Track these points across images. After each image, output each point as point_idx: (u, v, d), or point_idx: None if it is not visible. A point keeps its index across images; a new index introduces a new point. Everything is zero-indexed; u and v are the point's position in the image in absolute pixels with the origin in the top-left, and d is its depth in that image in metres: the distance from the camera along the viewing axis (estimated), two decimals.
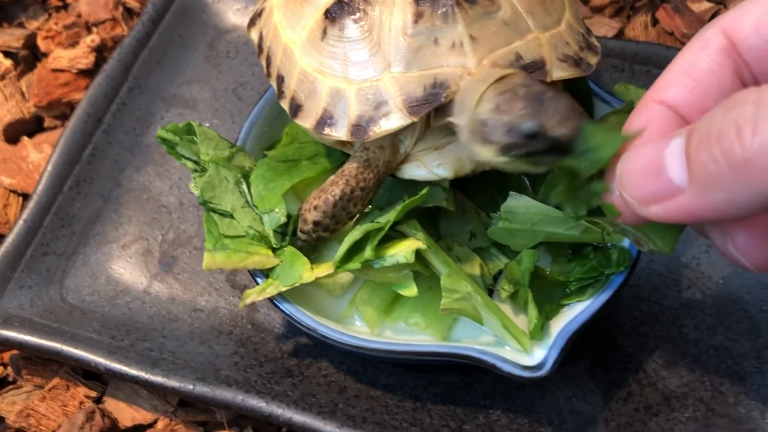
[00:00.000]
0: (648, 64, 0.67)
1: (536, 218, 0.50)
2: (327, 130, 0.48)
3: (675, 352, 0.54)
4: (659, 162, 0.36)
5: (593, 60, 0.50)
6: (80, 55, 0.74)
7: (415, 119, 0.46)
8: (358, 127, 0.47)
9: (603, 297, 0.49)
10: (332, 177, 0.50)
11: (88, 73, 0.74)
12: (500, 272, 0.53)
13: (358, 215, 0.52)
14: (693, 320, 0.55)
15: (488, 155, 0.44)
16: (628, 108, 0.54)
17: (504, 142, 0.42)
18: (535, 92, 0.42)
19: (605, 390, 0.53)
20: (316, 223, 0.50)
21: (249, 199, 0.54)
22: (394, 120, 0.46)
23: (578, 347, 0.52)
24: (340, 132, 0.48)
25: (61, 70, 0.74)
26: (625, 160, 0.38)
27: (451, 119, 0.47)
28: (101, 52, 0.76)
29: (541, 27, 0.48)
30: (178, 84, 0.71)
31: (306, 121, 0.49)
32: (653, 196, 0.36)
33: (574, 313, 0.49)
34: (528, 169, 0.44)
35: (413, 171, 0.50)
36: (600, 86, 0.59)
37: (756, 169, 0.32)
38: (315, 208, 0.50)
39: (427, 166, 0.50)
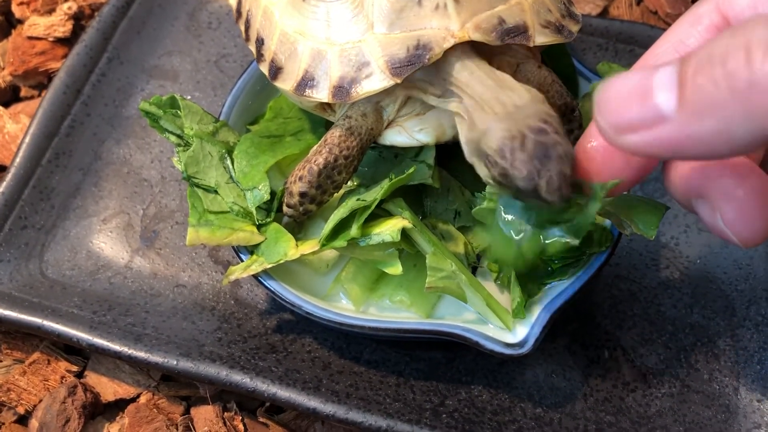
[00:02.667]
0: (632, 44, 0.67)
1: None
2: (308, 92, 0.48)
3: (652, 329, 0.55)
4: (646, 86, 0.33)
5: (575, 28, 0.50)
6: (57, 23, 0.73)
7: (398, 80, 0.46)
8: (340, 89, 0.47)
9: (584, 276, 0.50)
10: (315, 146, 0.50)
11: (66, 42, 0.72)
12: (484, 250, 0.54)
13: (343, 190, 0.52)
14: (670, 299, 0.56)
15: (479, 172, 0.44)
16: None
17: (497, 178, 0.42)
18: (544, 147, 0.40)
19: (584, 366, 0.54)
20: (302, 195, 0.50)
21: (233, 174, 0.53)
22: (376, 81, 0.46)
23: (558, 325, 0.53)
24: (321, 93, 0.47)
25: (38, 38, 0.72)
26: (606, 85, 0.34)
27: (441, 100, 0.47)
28: (79, 20, 0.74)
29: None
30: (159, 55, 0.69)
31: (286, 83, 0.49)
32: (633, 123, 0.33)
33: (556, 292, 0.50)
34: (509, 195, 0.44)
35: (394, 137, 0.50)
36: (584, 65, 0.59)
37: (761, 95, 0.29)
38: (300, 179, 0.50)
39: (408, 132, 0.50)
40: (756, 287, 0.56)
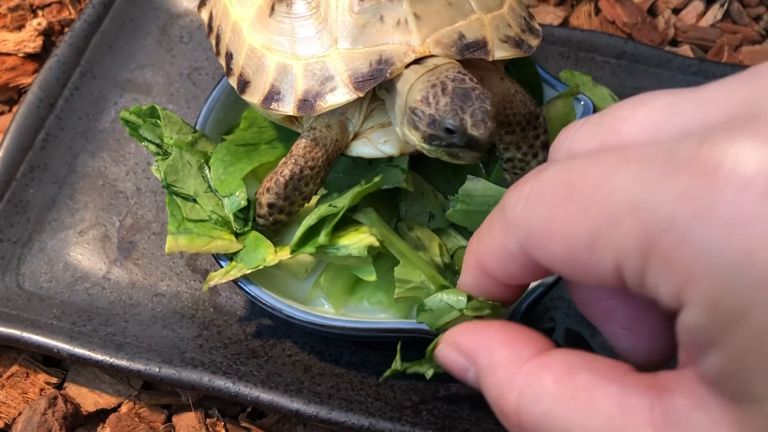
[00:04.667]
0: (592, 52, 0.70)
1: (492, 200, 0.52)
2: (274, 105, 0.49)
3: None
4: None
5: (534, 42, 0.51)
6: (27, 39, 0.73)
7: (361, 94, 0.47)
8: (305, 102, 0.48)
9: (556, 275, 0.51)
10: (283, 159, 0.51)
11: (36, 57, 0.73)
12: (457, 250, 0.55)
13: (317, 197, 0.53)
14: None
15: (414, 141, 0.46)
16: (573, 92, 0.57)
17: (428, 132, 0.45)
18: (462, 89, 0.44)
19: None
20: (270, 206, 0.51)
21: (211, 184, 0.54)
22: (340, 95, 0.47)
23: (531, 323, 0.55)
24: (287, 107, 0.49)
25: (7, 54, 0.72)
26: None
27: (392, 113, 0.48)
28: (48, 36, 0.74)
29: (484, 9, 0.50)
30: (131, 69, 0.70)
31: (254, 97, 0.50)
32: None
33: (529, 289, 0.51)
34: (449, 160, 0.46)
35: (360, 148, 0.52)
36: (548, 72, 0.61)
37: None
38: (268, 190, 0.51)
39: (374, 144, 0.51)
40: None
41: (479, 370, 0.36)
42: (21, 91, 0.71)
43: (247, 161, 0.55)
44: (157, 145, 0.54)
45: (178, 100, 0.69)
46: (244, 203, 0.53)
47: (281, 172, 0.50)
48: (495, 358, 0.35)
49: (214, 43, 0.55)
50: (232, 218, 0.53)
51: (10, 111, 0.71)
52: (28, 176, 0.63)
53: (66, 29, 0.74)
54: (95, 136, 0.66)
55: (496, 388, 0.35)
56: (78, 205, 0.63)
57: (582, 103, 0.57)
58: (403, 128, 0.47)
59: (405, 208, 0.55)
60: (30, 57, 0.73)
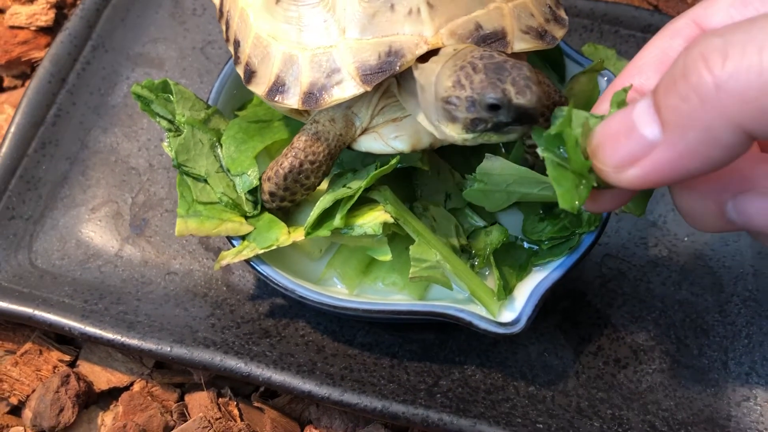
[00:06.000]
0: (617, 25, 0.68)
1: (510, 179, 0.50)
2: (278, 98, 0.47)
3: (642, 307, 0.56)
4: (629, 122, 0.35)
5: (559, 33, 0.48)
6: (39, 12, 0.72)
7: (368, 88, 0.45)
8: (310, 95, 0.46)
9: (574, 256, 0.50)
10: (285, 148, 0.50)
11: (48, 31, 0.72)
12: (474, 231, 0.54)
13: (329, 178, 0.52)
14: (659, 277, 0.57)
15: (457, 133, 0.42)
16: (597, 67, 0.55)
17: (469, 118, 0.41)
18: (494, 63, 0.40)
19: (575, 345, 0.55)
20: (271, 194, 0.50)
21: (223, 163, 0.53)
22: (346, 88, 0.45)
23: (549, 304, 0.54)
24: (291, 100, 0.46)
25: (20, 28, 0.71)
26: (595, 132, 0.37)
27: (412, 107, 0.46)
28: (60, 9, 0.73)
29: None
30: (144, 42, 0.69)
31: (259, 88, 0.48)
32: (628, 158, 0.35)
33: (547, 271, 0.50)
34: (499, 140, 0.42)
35: (369, 143, 0.50)
36: (570, 46, 0.59)
37: (731, 96, 0.30)
38: (268, 179, 0.50)
39: (384, 139, 0.49)
40: (743, 263, 0.57)
41: None
42: (33, 65, 0.71)
43: (260, 139, 0.54)
44: (170, 121, 0.52)
45: (191, 74, 0.68)
46: (255, 183, 0.51)
47: (281, 164, 0.49)
48: None
49: (224, 28, 0.53)
50: (243, 198, 0.51)
51: (23, 85, 0.71)
52: (40, 152, 0.62)
53: (78, 2, 0.73)
54: (107, 112, 0.65)
55: None
56: (90, 181, 0.63)
57: (606, 78, 0.55)
58: (438, 126, 0.43)
59: (421, 187, 0.53)
60: (42, 30, 0.72)
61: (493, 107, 0.40)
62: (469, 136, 0.42)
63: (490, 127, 0.41)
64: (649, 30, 0.67)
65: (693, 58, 0.31)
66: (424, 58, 0.44)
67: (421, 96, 0.44)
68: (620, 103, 0.39)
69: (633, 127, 0.35)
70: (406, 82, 0.46)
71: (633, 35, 0.67)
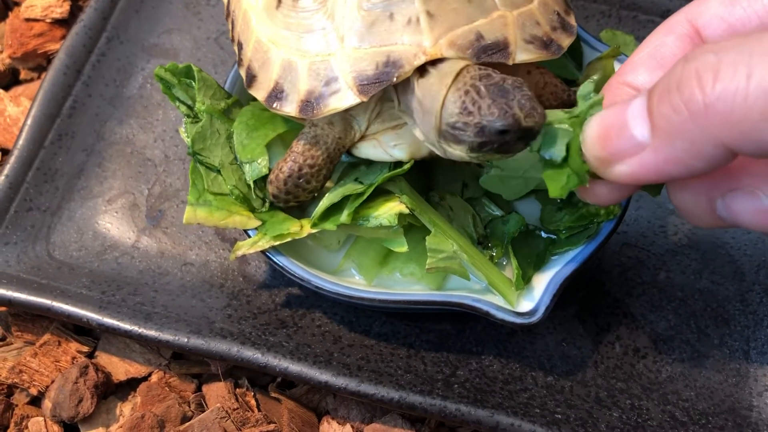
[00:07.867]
0: (635, 10, 0.67)
1: (527, 165, 0.50)
2: (276, 105, 0.47)
3: (662, 296, 0.55)
4: (622, 120, 0.37)
5: (565, 42, 0.47)
6: (54, 4, 0.72)
7: (365, 99, 0.44)
8: (307, 104, 0.45)
9: (593, 245, 0.49)
10: (285, 154, 0.49)
11: (63, 23, 0.72)
12: (491, 221, 0.53)
13: (342, 166, 0.52)
14: (679, 265, 0.56)
15: (459, 154, 0.43)
16: (614, 53, 0.54)
17: (476, 141, 0.41)
18: (496, 85, 0.40)
19: (594, 334, 0.54)
20: (275, 197, 0.50)
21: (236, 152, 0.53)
22: (343, 98, 0.44)
23: (567, 293, 0.53)
24: (289, 107, 0.46)
25: (35, 20, 0.72)
26: (589, 124, 0.39)
27: (409, 119, 0.46)
28: (75, 1, 0.73)
29: (510, 5, 0.45)
30: (158, 33, 0.69)
31: (259, 93, 0.48)
32: (617, 154, 0.37)
33: (565, 260, 0.49)
34: (501, 158, 0.43)
35: (369, 150, 0.49)
36: (588, 32, 0.58)
37: (717, 115, 0.32)
38: (271, 182, 0.50)
39: (384, 146, 0.48)
40: (765, 251, 0.56)
41: None
42: (49, 58, 0.71)
43: (272, 126, 0.53)
44: (189, 107, 0.52)
45: (206, 64, 0.68)
46: (265, 171, 0.51)
47: (281, 169, 0.49)
48: None
49: (230, 27, 0.53)
50: (253, 194, 0.51)
51: (39, 78, 0.71)
52: (57, 144, 0.62)
53: None
54: (123, 103, 0.65)
55: None
56: (106, 173, 0.63)
57: None
58: (441, 146, 0.43)
59: (437, 176, 0.53)
60: (57, 22, 0.72)
61: (502, 132, 0.40)
62: (473, 155, 0.42)
63: (495, 147, 0.41)
64: (668, 15, 0.65)
65: (688, 73, 0.33)
66: (423, 67, 0.44)
67: (419, 112, 0.44)
68: (586, 96, 0.41)
69: (625, 126, 0.37)
70: (405, 90, 0.45)
71: (652, 20, 0.66)
